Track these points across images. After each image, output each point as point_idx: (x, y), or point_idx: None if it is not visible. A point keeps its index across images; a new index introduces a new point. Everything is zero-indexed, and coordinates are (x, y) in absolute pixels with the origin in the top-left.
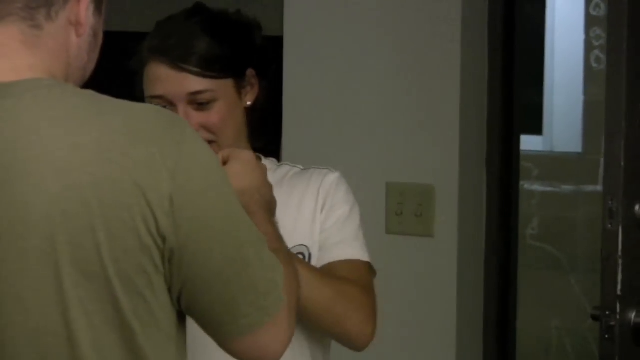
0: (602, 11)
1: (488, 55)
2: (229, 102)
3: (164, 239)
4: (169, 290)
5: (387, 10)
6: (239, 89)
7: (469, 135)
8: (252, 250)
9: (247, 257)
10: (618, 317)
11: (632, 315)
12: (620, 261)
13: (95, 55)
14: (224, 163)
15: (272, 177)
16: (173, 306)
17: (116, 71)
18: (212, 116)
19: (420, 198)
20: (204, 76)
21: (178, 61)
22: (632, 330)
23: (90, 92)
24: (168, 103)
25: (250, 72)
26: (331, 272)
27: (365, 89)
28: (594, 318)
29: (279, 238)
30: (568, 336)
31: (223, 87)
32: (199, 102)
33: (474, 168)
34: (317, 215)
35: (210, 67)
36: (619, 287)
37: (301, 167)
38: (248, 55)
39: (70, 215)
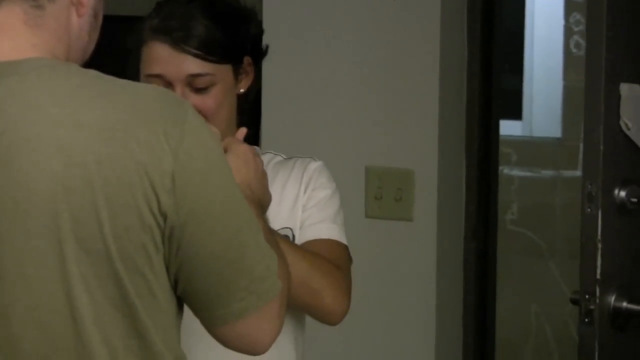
0: None
1: (467, 40)
2: (225, 87)
3: (165, 217)
4: (167, 270)
5: None
6: (236, 75)
7: (448, 120)
8: (250, 235)
9: (245, 241)
10: (597, 301)
11: (612, 299)
12: (599, 245)
13: (95, 36)
14: None
15: None
16: (172, 289)
17: (109, 55)
18: (208, 100)
19: (400, 182)
20: (205, 59)
21: (180, 42)
22: (612, 314)
23: (94, 72)
24: (166, 83)
25: (247, 59)
26: (309, 249)
27: (344, 73)
28: (574, 302)
29: (271, 231)
30: (548, 321)
31: (222, 72)
32: (197, 86)
33: (453, 153)
34: (300, 197)
35: (211, 51)
36: (599, 271)
37: (284, 156)
38: (246, 43)
39: (73, 192)
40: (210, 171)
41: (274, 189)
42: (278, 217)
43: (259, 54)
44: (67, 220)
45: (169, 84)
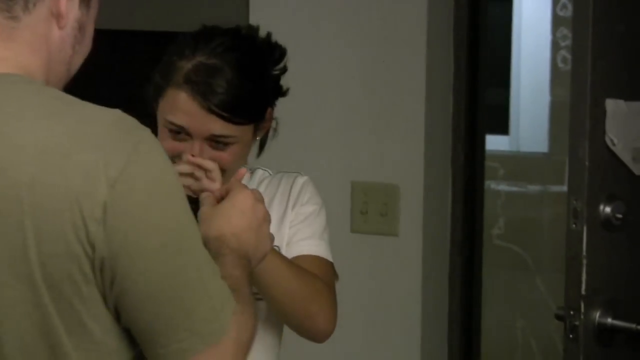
0: (568, 11)
1: (453, 54)
2: (244, 144)
3: (93, 247)
4: (105, 302)
5: (352, 10)
6: (257, 130)
7: (433, 135)
8: (195, 274)
9: (188, 280)
10: (582, 317)
11: (596, 315)
12: (584, 261)
13: (82, 49)
14: (222, 198)
15: (249, 185)
16: (115, 322)
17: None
18: (225, 156)
19: (385, 197)
20: (231, 121)
21: (210, 102)
22: (596, 330)
23: (54, 92)
24: (186, 133)
25: (269, 111)
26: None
27: (330, 88)
28: (559, 318)
29: (245, 283)
30: (534, 336)
31: (244, 132)
32: (218, 142)
33: (439, 167)
34: (288, 214)
35: (239, 114)
36: (583, 287)
37: (270, 172)
38: (271, 95)
39: (3, 214)
40: (152, 205)
41: None
42: None
43: (278, 94)
44: None
45: (188, 134)
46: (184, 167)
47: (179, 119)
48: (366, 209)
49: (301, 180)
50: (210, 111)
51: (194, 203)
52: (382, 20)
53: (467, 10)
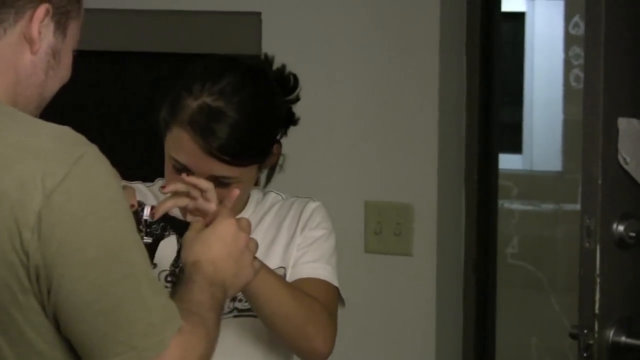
0: (581, 30)
1: (466, 73)
2: (248, 180)
3: (27, 255)
4: (45, 312)
5: (364, 28)
6: (262, 166)
7: (447, 154)
8: (132, 289)
9: (124, 293)
10: (596, 335)
11: (610, 334)
12: (598, 280)
13: (57, 75)
14: (206, 225)
15: (260, 207)
16: (56, 330)
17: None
18: (227, 193)
19: (399, 217)
20: (233, 164)
21: (210, 146)
22: (610, 348)
23: (6, 109)
24: (189, 171)
25: (276, 147)
26: (302, 288)
27: (343, 107)
28: (573, 337)
29: (211, 308)
30: (548, 354)
31: (247, 171)
32: (220, 181)
33: (452, 187)
34: (297, 237)
35: (241, 158)
36: (597, 305)
37: (283, 196)
38: (279, 132)
39: None
40: (88, 217)
41: (270, 229)
42: (272, 256)
43: (289, 123)
44: None
45: (191, 172)
46: (180, 186)
47: (182, 158)
48: (380, 229)
49: (313, 205)
50: (211, 154)
51: (185, 227)
52: (394, 39)
53: (480, 28)
